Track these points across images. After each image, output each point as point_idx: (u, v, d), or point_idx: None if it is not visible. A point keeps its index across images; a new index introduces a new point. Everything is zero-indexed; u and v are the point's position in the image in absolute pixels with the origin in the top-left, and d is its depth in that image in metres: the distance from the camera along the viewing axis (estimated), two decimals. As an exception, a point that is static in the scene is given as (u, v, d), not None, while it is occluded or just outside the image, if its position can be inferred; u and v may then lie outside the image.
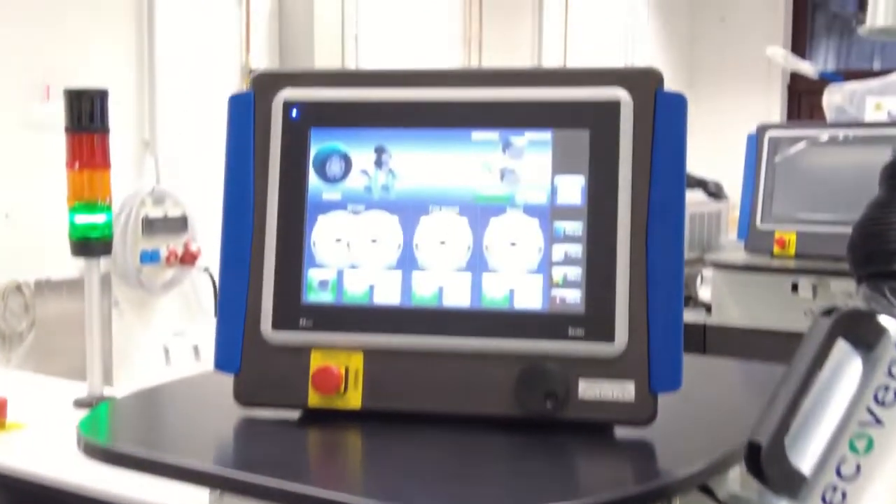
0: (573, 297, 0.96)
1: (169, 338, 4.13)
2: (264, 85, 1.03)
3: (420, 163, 1.00)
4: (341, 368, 0.98)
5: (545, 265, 0.97)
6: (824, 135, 2.60)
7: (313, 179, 1.01)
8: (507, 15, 6.51)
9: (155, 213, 4.16)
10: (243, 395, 1.00)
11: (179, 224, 4.04)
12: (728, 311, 2.71)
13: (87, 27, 3.98)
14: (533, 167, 0.98)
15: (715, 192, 3.33)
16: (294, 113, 1.02)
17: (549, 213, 0.97)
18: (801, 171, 2.63)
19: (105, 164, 1.71)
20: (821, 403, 0.80)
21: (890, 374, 0.78)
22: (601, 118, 0.97)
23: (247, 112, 1.02)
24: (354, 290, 0.99)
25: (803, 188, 2.63)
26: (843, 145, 2.59)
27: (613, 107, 0.97)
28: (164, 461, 0.89)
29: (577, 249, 0.96)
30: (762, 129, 2.68)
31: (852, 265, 0.86)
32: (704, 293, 2.92)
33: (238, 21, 4.58)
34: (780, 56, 4.84)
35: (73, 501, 1.38)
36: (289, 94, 1.02)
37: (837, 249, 2.50)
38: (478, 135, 0.99)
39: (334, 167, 1.01)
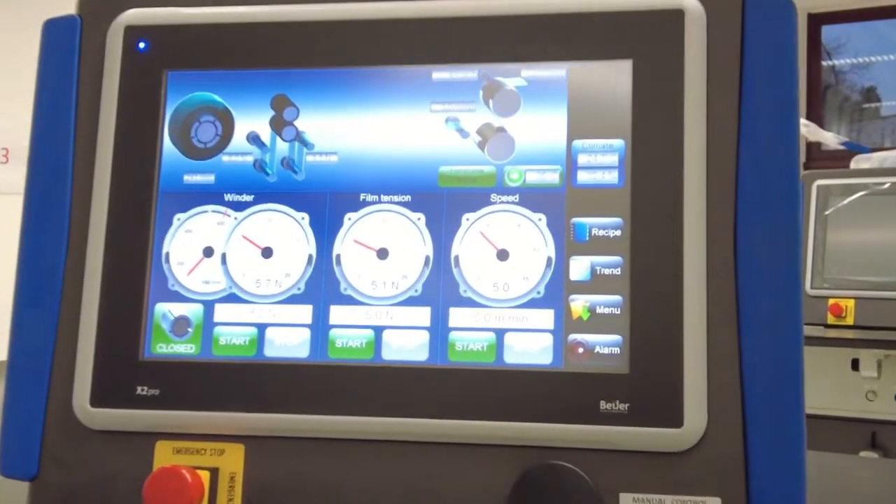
0: (608, 345, 0.55)
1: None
2: (98, 4, 0.64)
3: (346, 124, 0.60)
4: (204, 472, 0.56)
5: (558, 291, 0.56)
6: (885, 182, 2.20)
7: (170, 152, 0.61)
8: None
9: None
10: None
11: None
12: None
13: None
14: (536, 126, 0.58)
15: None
16: (142, 45, 0.62)
17: (563, 203, 0.57)
18: (858, 225, 2.22)
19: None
20: None
21: None
22: (652, 41, 0.57)
23: (69, 46, 0.63)
24: (232, 338, 0.58)
25: (861, 246, 2.21)
26: (909, 194, 2.18)
27: (673, 22, 0.57)
28: None
29: (613, 263, 0.56)
30: (809, 178, 2.28)
31: None
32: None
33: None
34: (802, 124, 4.48)
35: None
36: (134, 16, 0.62)
37: (907, 318, 2.07)
38: (442, 74, 0.59)
39: (205, 132, 0.61)
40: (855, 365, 2.17)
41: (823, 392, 2.22)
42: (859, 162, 3.34)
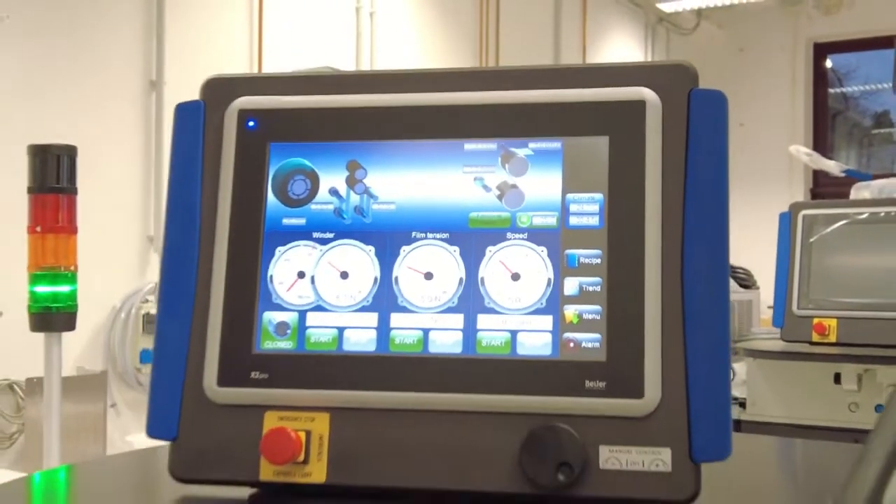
0: (591, 341, 0.76)
1: (168, 442, 3.91)
2: (217, 92, 0.86)
3: (401, 181, 0.82)
4: (301, 433, 0.78)
5: (555, 302, 0.78)
6: (864, 213, 2.41)
7: (272, 202, 0.83)
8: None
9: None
10: (180, 468, 0.80)
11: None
12: (765, 405, 2.48)
13: (94, 124, 3.90)
14: (539, 184, 0.80)
15: (744, 279, 3.13)
16: (251, 124, 0.84)
17: (559, 239, 0.79)
18: (840, 251, 2.44)
19: (71, 228, 1.54)
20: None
21: None
22: (622, 123, 0.79)
23: (196, 124, 0.85)
24: (319, 337, 0.80)
25: (843, 270, 2.43)
26: (886, 223, 2.40)
27: (637, 109, 0.79)
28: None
29: (595, 282, 0.77)
30: (795, 207, 2.50)
31: None
32: (737, 389, 2.69)
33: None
34: (804, 153, 4.68)
35: None
36: (245, 102, 0.85)
37: (884, 336, 2.28)
38: (471, 146, 0.81)
39: (298, 187, 0.83)
40: (837, 379, 2.38)
41: (809, 404, 2.43)
42: (859, 189, 3.54)
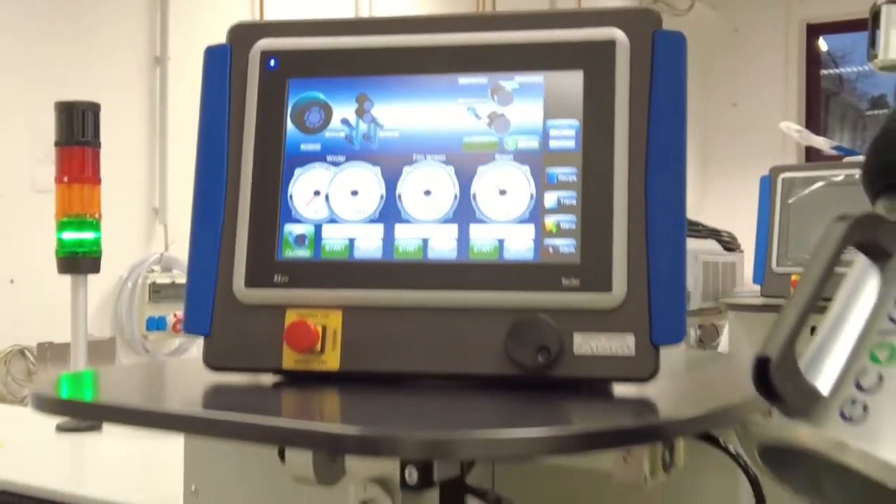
0: (567, 245, 0.89)
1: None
2: (241, 36, 0.98)
3: (404, 110, 0.94)
4: (318, 326, 0.90)
5: (537, 213, 0.90)
6: (839, 175, 2.54)
7: (291, 130, 0.95)
8: None
9: (163, 279, 4.13)
10: (213, 359, 0.92)
11: (187, 290, 3.98)
12: (745, 358, 2.61)
13: (100, 95, 4.00)
14: (524, 112, 0.92)
15: (729, 242, 3.26)
16: (272, 63, 0.96)
17: (540, 159, 0.91)
18: (817, 212, 2.57)
19: (95, 179, 1.66)
20: (836, 319, 0.72)
21: None
22: (596, 59, 0.91)
23: (223, 64, 0.97)
24: (333, 245, 0.93)
25: (820, 229, 2.55)
26: (860, 185, 2.52)
27: (609, 47, 0.91)
28: (120, 405, 0.81)
29: (570, 196, 0.90)
30: (775, 171, 2.63)
31: (868, 184, 0.79)
32: (721, 346, 2.82)
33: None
34: (794, 129, 4.79)
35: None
36: (266, 43, 0.97)
37: (856, 290, 2.40)
38: (465, 80, 0.94)
39: (313, 117, 0.95)
40: (813, 331, 2.50)
41: (787, 356, 2.55)
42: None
